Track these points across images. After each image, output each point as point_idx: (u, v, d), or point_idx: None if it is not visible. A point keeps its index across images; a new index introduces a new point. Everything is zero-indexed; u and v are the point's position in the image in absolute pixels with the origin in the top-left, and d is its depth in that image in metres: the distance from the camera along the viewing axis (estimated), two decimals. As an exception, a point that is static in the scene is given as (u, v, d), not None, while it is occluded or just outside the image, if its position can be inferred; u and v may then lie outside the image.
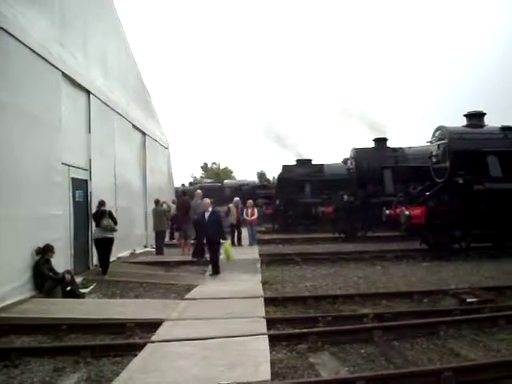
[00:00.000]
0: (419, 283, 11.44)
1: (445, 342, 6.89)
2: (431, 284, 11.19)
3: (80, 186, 13.16)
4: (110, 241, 12.92)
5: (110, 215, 12.94)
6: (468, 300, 9.03)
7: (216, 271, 12.39)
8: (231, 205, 19.82)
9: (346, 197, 23.08)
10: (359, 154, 23.28)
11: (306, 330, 7.10)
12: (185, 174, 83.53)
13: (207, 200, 13.18)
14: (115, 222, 12.96)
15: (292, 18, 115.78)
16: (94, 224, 13.00)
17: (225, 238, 13.54)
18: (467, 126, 17.19)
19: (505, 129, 16.90)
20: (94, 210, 13.26)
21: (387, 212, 17.61)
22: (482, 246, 16.71)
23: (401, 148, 23.71)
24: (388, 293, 10.09)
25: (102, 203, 13.00)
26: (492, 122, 17.59)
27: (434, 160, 17.20)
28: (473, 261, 14.83)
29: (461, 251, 15.94)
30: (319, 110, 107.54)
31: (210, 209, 12.67)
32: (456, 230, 15.94)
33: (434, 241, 16.45)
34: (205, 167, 73.40)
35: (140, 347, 6.29)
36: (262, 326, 7.18)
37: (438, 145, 16.93)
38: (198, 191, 16.37)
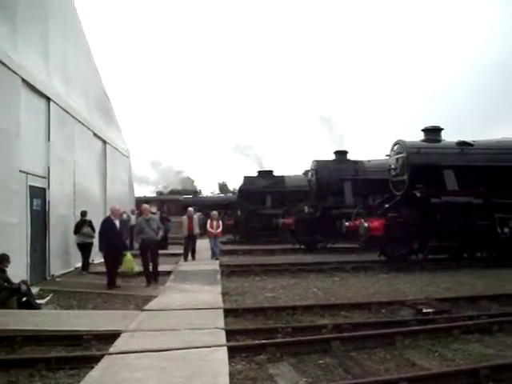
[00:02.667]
0: (377, 294, 11.59)
1: (401, 352, 6.99)
2: (389, 295, 11.35)
3: (38, 194, 12.94)
4: (90, 245, 14.96)
5: (90, 224, 14.88)
6: (424, 311, 9.20)
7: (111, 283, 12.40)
8: (184, 216, 18.94)
9: (306, 208, 23.29)
10: (320, 166, 23.52)
11: (265, 341, 7.10)
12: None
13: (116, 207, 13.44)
14: (93, 230, 14.67)
15: (254, 31, 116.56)
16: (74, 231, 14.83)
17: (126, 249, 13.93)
18: (425, 140, 17.60)
19: (461, 144, 17.37)
20: (51, 218, 13.56)
21: (347, 224, 17.82)
22: (439, 258, 17.11)
23: (361, 161, 24.08)
24: (347, 304, 10.19)
25: (83, 213, 15.00)
26: (448, 137, 18.08)
27: (393, 173, 17.54)
28: (429, 272, 15.14)
29: (418, 263, 16.25)
30: (282, 122, 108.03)
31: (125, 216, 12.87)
32: (413, 241, 16.30)
33: (392, 252, 16.71)
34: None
35: (97, 359, 6.17)
36: (222, 337, 7.15)
37: (397, 158, 17.29)
38: (145, 205, 13.97)
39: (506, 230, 16.27)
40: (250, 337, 7.61)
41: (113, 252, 12.53)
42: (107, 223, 12.79)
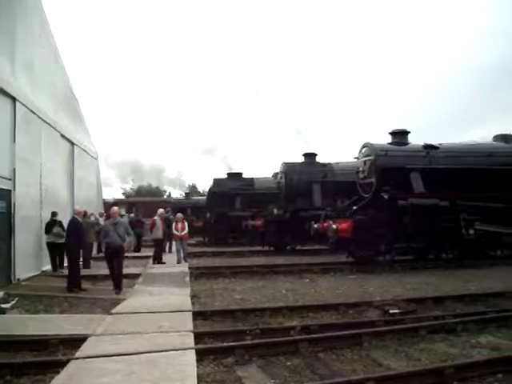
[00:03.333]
0: (345, 295, 11.70)
1: (368, 353, 7.08)
2: (357, 296, 11.46)
3: (3, 196, 12.70)
4: (61, 245, 14.08)
5: (60, 224, 14.63)
6: (391, 311, 9.32)
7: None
8: (156, 217, 18.45)
9: (275, 210, 23.38)
10: (289, 168, 23.69)
11: (233, 344, 7.11)
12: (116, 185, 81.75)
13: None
14: (64, 230, 13.96)
15: (218, 33, 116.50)
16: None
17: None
18: (392, 143, 17.87)
19: (427, 147, 17.69)
20: (16, 221, 13.26)
21: (315, 226, 17.95)
22: (406, 259, 17.38)
23: (329, 163, 24.33)
24: (315, 305, 10.25)
25: (54, 214, 14.88)
26: (414, 139, 18.39)
27: (361, 176, 17.75)
28: (397, 273, 15.36)
29: (385, 264, 16.46)
30: (251, 124, 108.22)
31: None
32: (381, 243, 16.49)
33: (360, 254, 16.90)
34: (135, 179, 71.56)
35: (63, 364, 6.09)
36: (190, 340, 7.13)
37: (365, 161, 17.50)
38: (114, 208, 13.22)
39: (471, 231, 16.65)
40: (219, 339, 7.59)
41: (78, 253, 12.34)
42: (73, 223, 12.64)
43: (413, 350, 7.23)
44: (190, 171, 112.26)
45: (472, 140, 19.20)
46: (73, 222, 12.78)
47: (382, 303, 9.95)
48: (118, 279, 12.12)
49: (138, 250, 22.26)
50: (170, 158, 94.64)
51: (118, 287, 11.98)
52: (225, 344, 7.23)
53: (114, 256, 12.19)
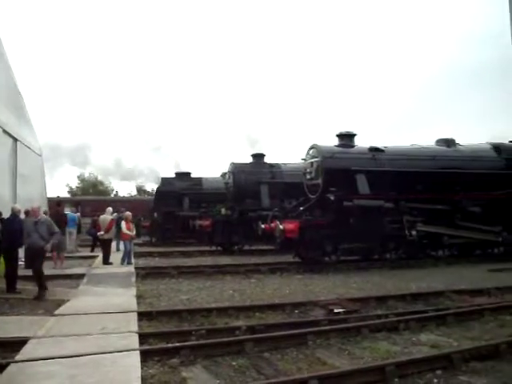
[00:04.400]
0: (292, 295, 11.81)
1: (313, 352, 7.17)
2: (303, 296, 11.59)
3: None
4: None
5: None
6: (336, 311, 9.48)
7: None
8: (103, 216, 17.75)
9: (223, 210, 23.40)
10: (237, 168, 23.75)
11: (178, 344, 7.07)
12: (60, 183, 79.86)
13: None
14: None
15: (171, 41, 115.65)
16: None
17: None
18: (339, 145, 18.14)
19: (372, 149, 18.05)
20: None
21: (263, 226, 18.04)
22: (351, 259, 17.71)
23: (277, 164, 24.54)
24: (261, 305, 10.30)
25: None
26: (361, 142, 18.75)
27: (308, 177, 17.96)
28: (342, 273, 15.61)
29: (331, 264, 16.71)
30: (200, 123, 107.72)
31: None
32: (327, 243, 16.72)
33: (307, 254, 17.09)
34: (81, 177, 70.24)
35: (2, 368, 5.91)
36: (135, 341, 7.04)
37: (312, 162, 17.71)
38: (34, 207, 12.33)
39: (414, 232, 17.13)
40: (164, 340, 7.54)
41: (10, 252, 11.73)
42: (9, 222, 12.02)
43: (356, 348, 7.37)
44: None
45: (416, 144, 19.71)
46: (10, 220, 12.29)
47: (327, 303, 10.10)
48: (39, 285, 11.19)
49: (92, 250, 21.77)
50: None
51: (39, 294, 11.07)
52: (169, 345, 7.19)
53: (35, 259, 11.42)
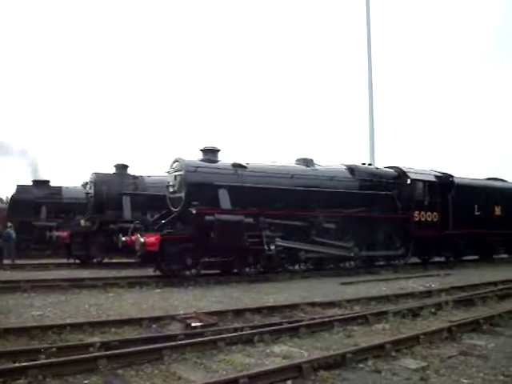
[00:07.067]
0: (150, 309, 11.66)
1: (168, 367, 7.13)
2: (161, 310, 11.50)
3: None
4: None
5: None
6: (193, 324, 9.50)
7: None
8: None
9: (82, 222, 22.63)
10: (99, 178, 23.16)
11: (25, 364, 6.69)
12: None
13: None
14: None
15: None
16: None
17: None
18: (203, 160, 18.32)
19: (235, 165, 18.45)
20: None
21: (123, 238, 17.71)
22: (211, 273, 17.91)
23: (141, 176, 24.27)
24: (118, 320, 10.03)
25: None
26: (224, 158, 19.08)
27: (171, 190, 17.93)
28: (202, 287, 15.71)
29: (191, 278, 16.75)
30: (64, 128, 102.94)
31: None
32: (188, 257, 16.77)
33: (167, 268, 17.02)
34: None
35: None
36: (-23, 361, 6.59)
37: (175, 175, 17.73)
38: None
39: (272, 247, 17.74)
40: (10, 360, 7.10)
41: None
42: None
43: (211, 361, 7.44)
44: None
45: (277, 162, 20.46)
46: None
47: (184, 317, 10.10)
48: None
49: None
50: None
51: None
52: (16, 365, 6.78)
53: None
